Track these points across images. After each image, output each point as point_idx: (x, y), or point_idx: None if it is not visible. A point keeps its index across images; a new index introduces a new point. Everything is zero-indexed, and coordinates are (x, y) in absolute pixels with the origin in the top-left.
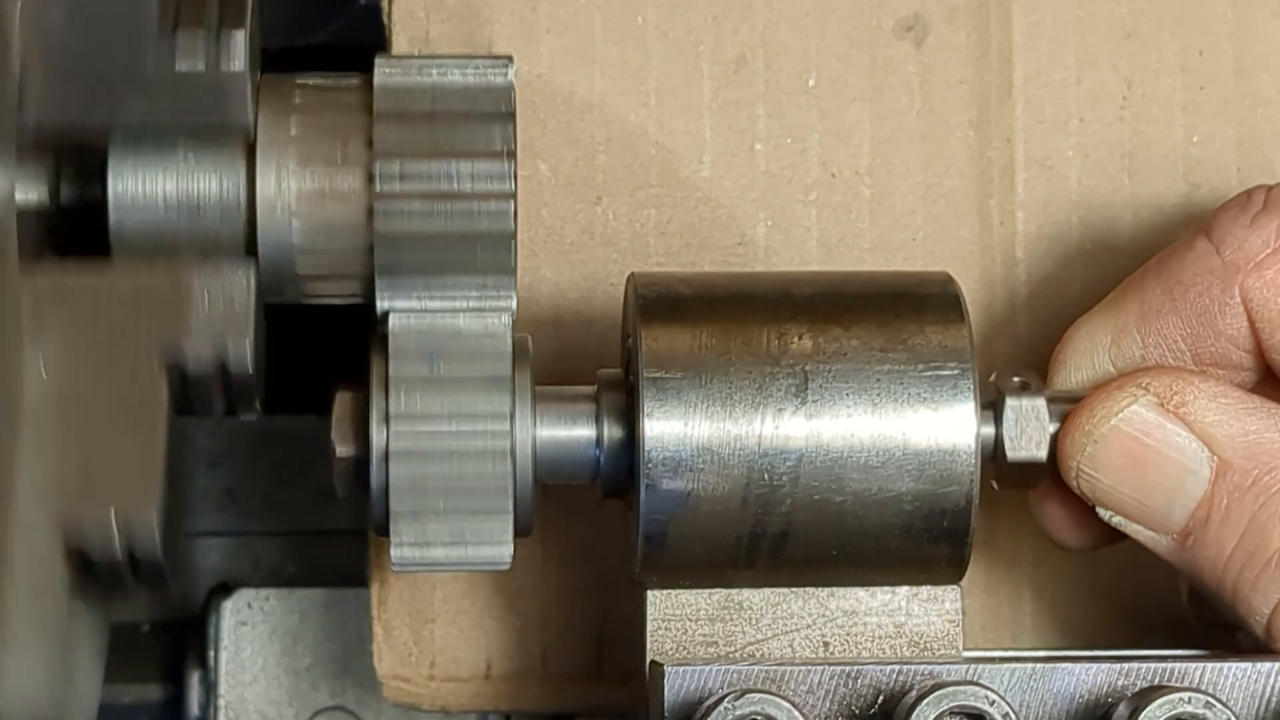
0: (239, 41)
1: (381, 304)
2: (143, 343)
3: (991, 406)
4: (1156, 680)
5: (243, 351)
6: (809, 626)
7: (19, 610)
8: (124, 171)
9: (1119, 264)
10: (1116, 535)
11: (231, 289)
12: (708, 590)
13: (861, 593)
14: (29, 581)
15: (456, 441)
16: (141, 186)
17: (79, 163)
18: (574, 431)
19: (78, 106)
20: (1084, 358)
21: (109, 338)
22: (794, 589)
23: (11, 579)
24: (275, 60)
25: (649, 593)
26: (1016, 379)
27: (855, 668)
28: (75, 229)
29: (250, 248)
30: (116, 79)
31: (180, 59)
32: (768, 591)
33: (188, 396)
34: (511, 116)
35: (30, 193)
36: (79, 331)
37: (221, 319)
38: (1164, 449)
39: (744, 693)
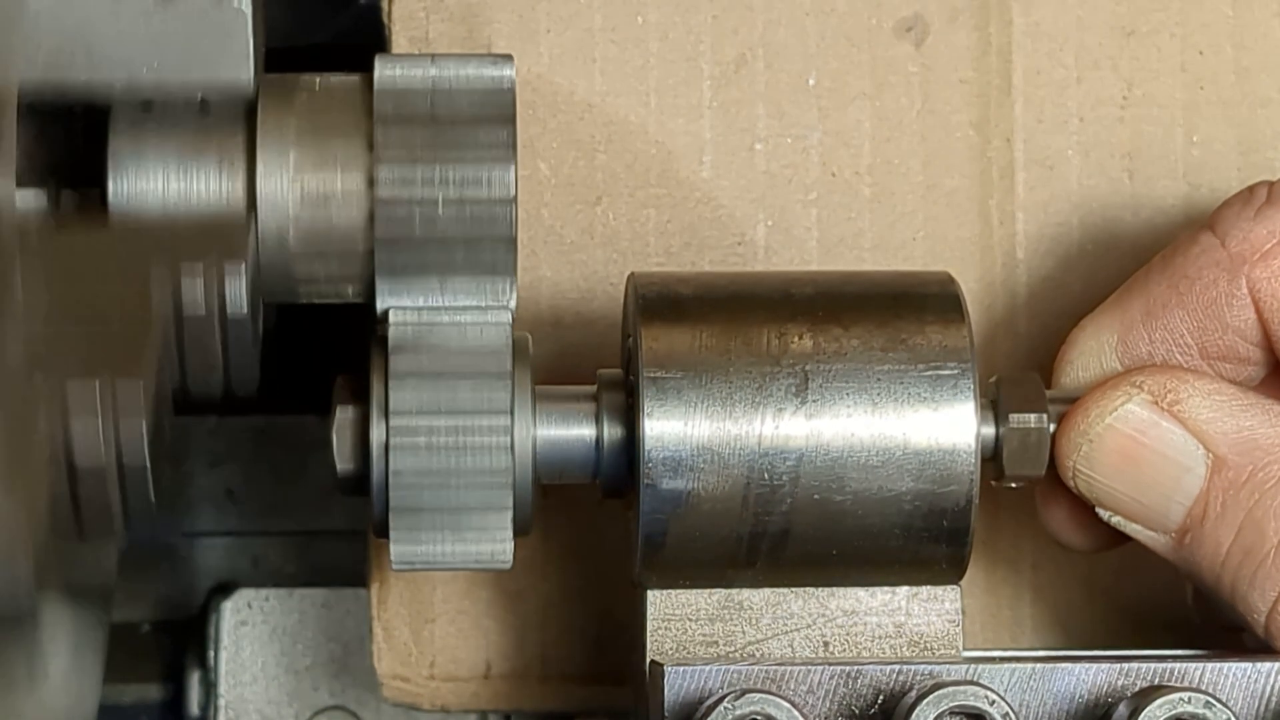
0: None
1: (381, 303)
2: (138, 265)
3: (991, 406)
4: (1156, 680)
5: (239, 288)
6: (809, 626)
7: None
8: (124, 172)
9: (1119, 264)
10: (1122, 536)
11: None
12: (708, 590)
13: (861, 592)
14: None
15: (456, 441)
16: (141, 190)
17: (79, 163)
18: (574, 431)
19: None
20: (1090, 357)
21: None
22: (794, 589)
23: None
24: (275, 60)
25: (649, 593)
26: (1016, 378)
27: (855, 668)
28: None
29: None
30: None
31: None
32: (768, 591)
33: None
34: (512, 120)
35: (30, 194)
36: (70, 253)
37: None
38: (1159, 447)
39: (744, 693)
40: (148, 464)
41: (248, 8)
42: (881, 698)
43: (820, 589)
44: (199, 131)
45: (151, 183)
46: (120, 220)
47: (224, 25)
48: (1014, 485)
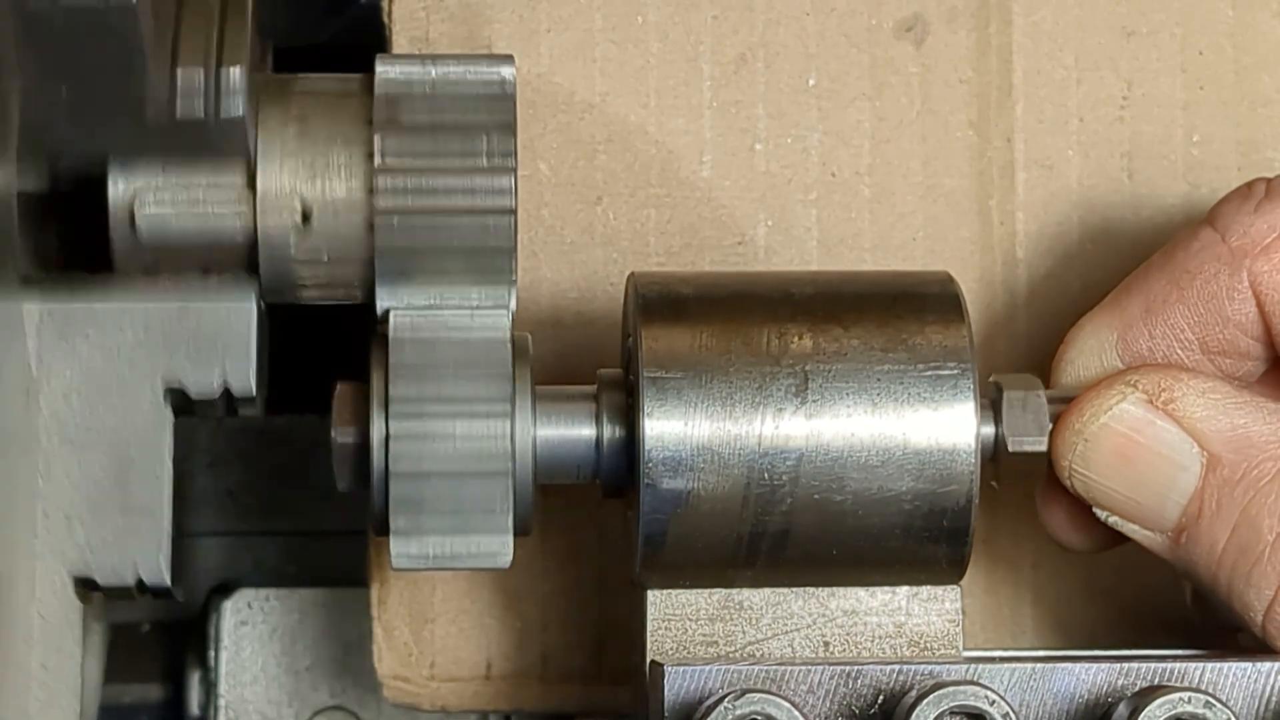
0: (237, 80)
1: (381, 304)
2: (147, 369)
3: (991, 406)
4: (1156, 680)
5: (246, 376)
6: (809, 626)
7: (32, 646)
8: (124, 177)
9: (1119, 264)
10: (1121, 536)
11: (233, 312)
12: (708, 590)
13: (862, 592)
14: (37, 607)
15: (456, 441)
16: (142, 192)
17: (80, 171)
18: (574, 431)
19: (74, 139)
20: (1090, 355)
21: (113, 365)
22: (794, 589)
23: (16, 601)
24: (275, 60)
25: (649, 593)
26: (1016, 378)
27: (855, 667)
28: (77, 234)
29: (251, 252)
30: (114, 121)
31: (180, 104)
32: (768, 591)
33: (190, 408)
34: (512, 121)
35: (30, 200)
36: (84, 358)
37: (224, 345)
38: (1154, 446)
39: (744, 692)
40: (168, 584)
41: (243, 110)
42: (882, 698)
43: (820, 589)
44: (200, 132)
45: (152, 188)
46: None
47: (221, 128)
48: (1018, 474)
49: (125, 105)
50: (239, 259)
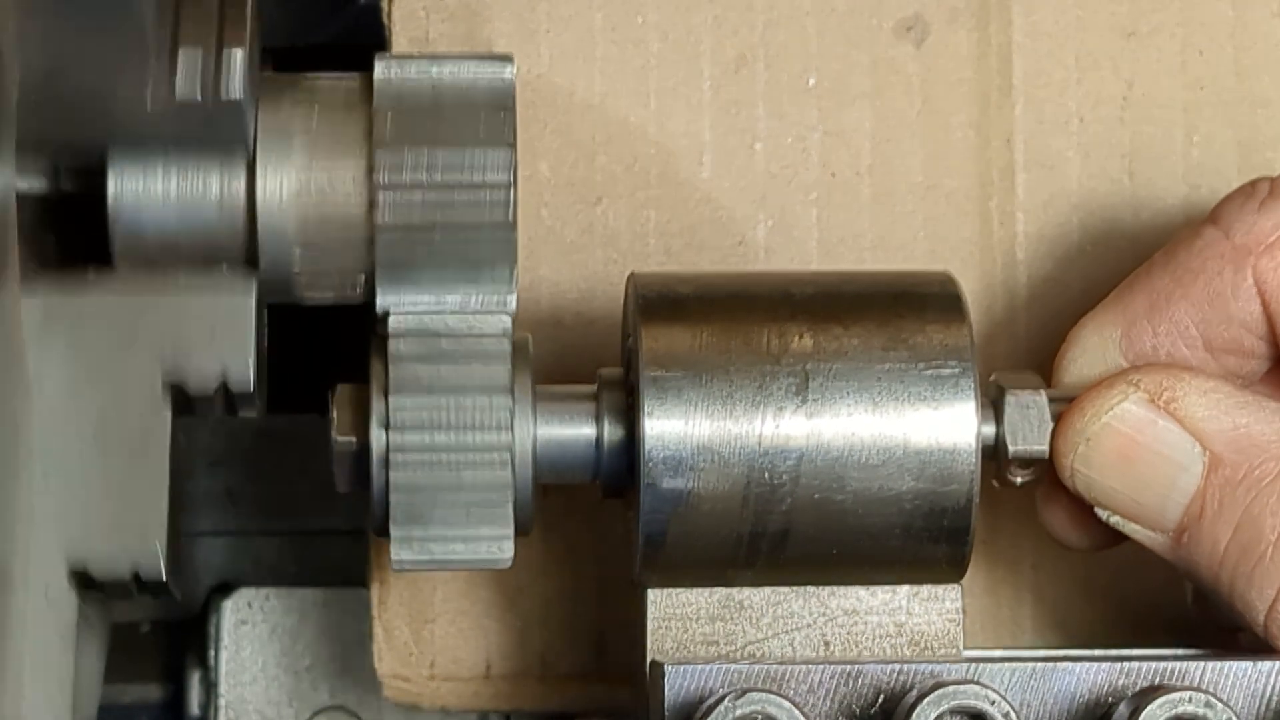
0: (238, 63)
1: (381, 303)
2: (144, 363)
3: (992, 406)
4: (1156, 680)
5: (244, 370)
6: (809, 625)
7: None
8: (124, 173)
9: (1119, 264)
10: (1122, 534)
11: (232, 307)
12: (708, 589)
13: (862, 592)
14: (33, 602)
15: (456, 441)
16: (142, 188)
17: (79, 165)
18: (574, 431)
19: (75, 127)
20: (1093, 353)
21: (111, 358)
22: (794, 588)
23: (14, 598)
24: (275, 60)
25: (649, 592)
26: (1016, 378)
27: (856, 667)
28: (76, 231)
29: (250, 249)
30: (114, 105)
31: (179, 84)
32: (768, 590)
33: (189, 405)
34: (512, 122)
35: (31, 195)
36: (82, 353)
37: (223, 339)
38: (1156, 445)
39: (744, 692)
40: (165, 579)
41: (242, 93)
42: (882, 697)
43: (821, 588)
44: (199, 118)
45: (152, 184)
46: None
47: (221, 111)
48: (1019, 481)
49: (126, 90)
50: (238, 255)
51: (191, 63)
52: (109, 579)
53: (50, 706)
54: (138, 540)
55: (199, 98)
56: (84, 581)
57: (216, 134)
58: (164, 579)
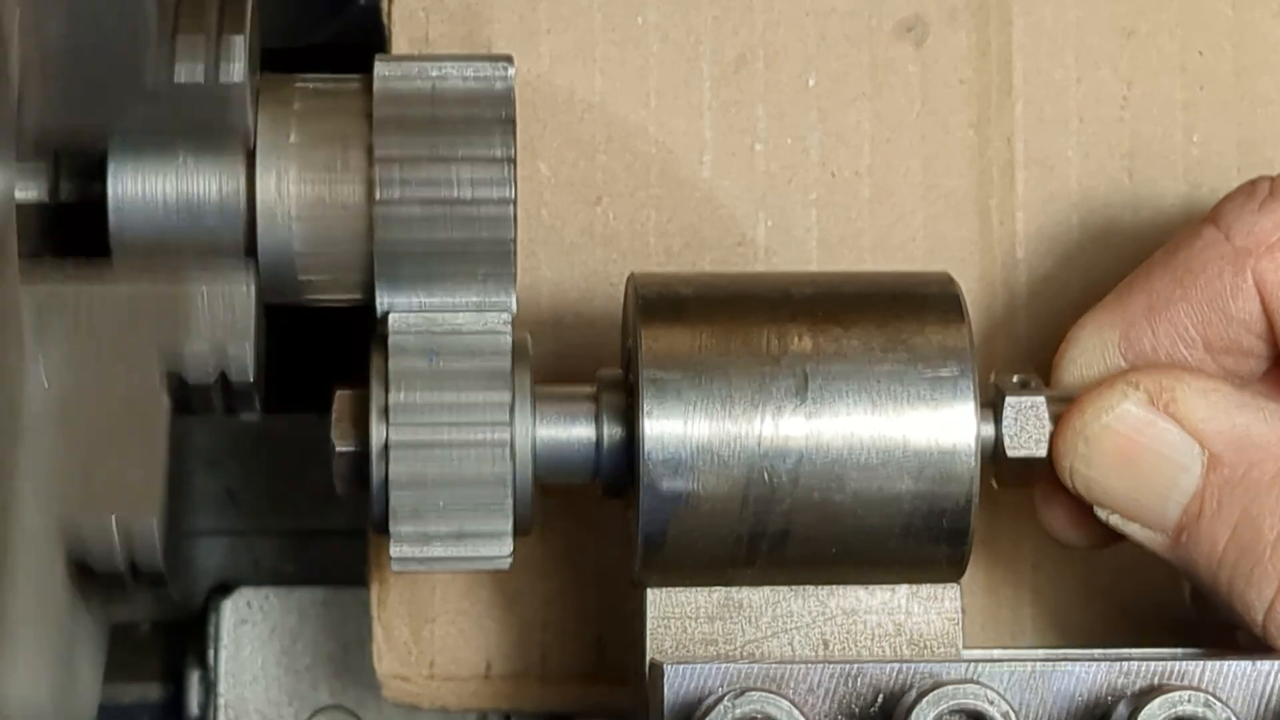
0: (238, 48)
1: (381, 304)
2: (143, 350)
3: (991, 406)
4: (1156, 680)
5: (243, 359)
6: (809, 625)
7: (21, 617)
8: (124, 173)
9: (1119, 264)
10: (1120, 534)
11: (232, 296)
12: (707, 589)
13: (861, 591)
14: (31, 589)
15: (456, 441)
16: (141, 189)
17: (79, 165)
18: (574, 431)
19: (76, 112)
20: (1092, 353)
21: (110, 345)
22: (794, 588)
23: (13, 586)
24: (275, 60)
25: (649, 592)
26: (1016, 378)
27: (855, 667)
28: (75, 230)
29: (250, 251)
30: (114, 86)
31: (179, 68)
32: (767, 590)
33: (188, 399)
34: (511, 122)
35: (30, 194)
36: (80, 339)
37: (222, 326)
38: (1155, 446)
39: (744, 691)
40: (161, 565)
41: (243, 76)
42: (881, 697)
43: (820, 588)
44: (199, 134)
45: (151, 185)
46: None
47: (221, 94)
48: (1018, 474)
49: (127, 77)
50: (237, 249)
51: (192, 47)
52: (105, 565)
53: (44, 689)
54: (134, 532)
55: (200, 80)
56: (81, 569)
57: (216, 122)
58: (160, 564)
